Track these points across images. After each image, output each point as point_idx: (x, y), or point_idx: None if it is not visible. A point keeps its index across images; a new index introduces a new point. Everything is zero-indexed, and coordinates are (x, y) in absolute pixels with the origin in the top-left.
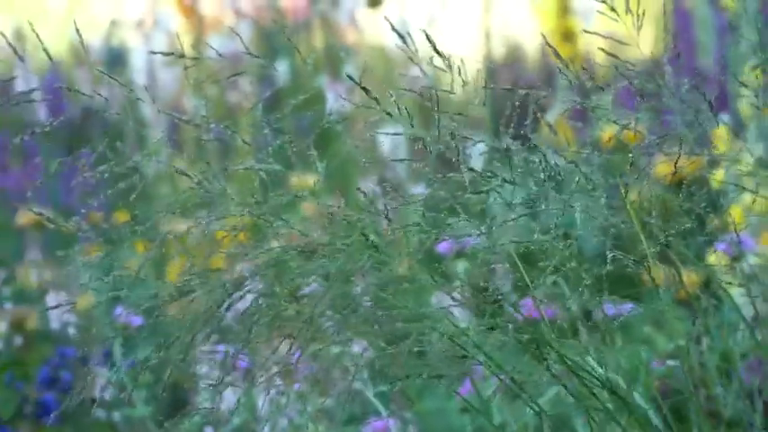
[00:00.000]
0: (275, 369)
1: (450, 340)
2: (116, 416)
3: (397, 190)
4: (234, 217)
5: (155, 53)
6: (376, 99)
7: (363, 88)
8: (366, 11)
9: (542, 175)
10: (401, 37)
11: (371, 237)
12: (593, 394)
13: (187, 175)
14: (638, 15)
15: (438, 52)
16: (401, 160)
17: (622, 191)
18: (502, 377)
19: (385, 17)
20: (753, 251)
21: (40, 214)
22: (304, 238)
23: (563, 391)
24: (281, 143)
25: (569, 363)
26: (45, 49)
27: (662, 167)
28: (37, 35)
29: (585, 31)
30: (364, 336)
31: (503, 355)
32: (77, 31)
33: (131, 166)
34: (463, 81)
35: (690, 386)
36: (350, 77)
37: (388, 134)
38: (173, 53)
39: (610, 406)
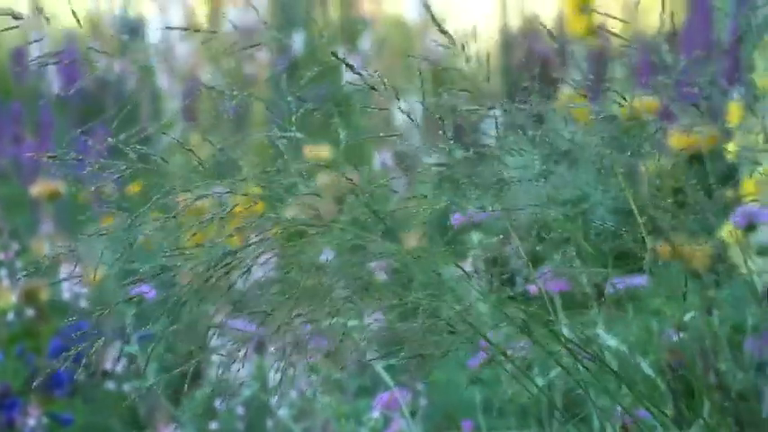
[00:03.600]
0: (287, 341)
1: (461, 316)
2: (126, 387)
3: (411, 161)
4: (248, 188)
5: (171, 28)
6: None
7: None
8: None
9: (556, 147)
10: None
11: (380, 209)
12: (607, 366)
13: (192, 151)
14: None
15: (441, 29)
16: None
17: (638, 164)
18: (508, 355)
19: None
20: (765, 223)
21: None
22: (317, 210)
23: (574, 364)
24: (301, 112)
25: (581, 336)
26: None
27: (676, 140)
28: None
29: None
30: (376, 307)
31: (513, 329)
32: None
33: (145, 137)
34: (468, 57)
35: (699, 358)
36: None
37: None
38: (187, 28)
39: (616, 378)
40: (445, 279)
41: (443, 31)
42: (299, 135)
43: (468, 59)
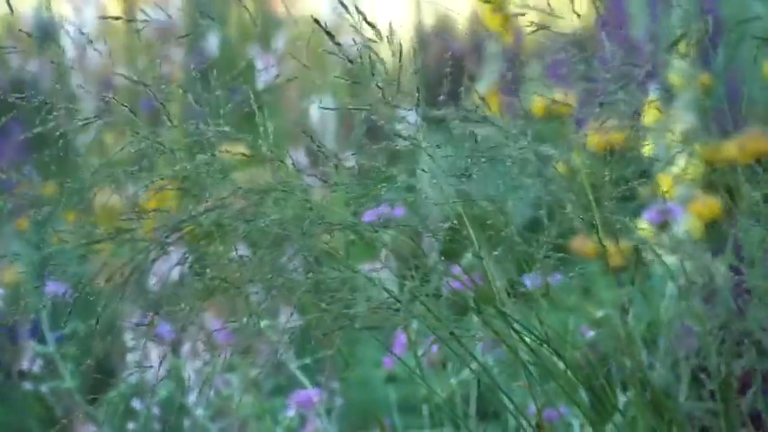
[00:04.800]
0: (201, 339)
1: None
2: (43, 388)
3: (327, 159)
4: (161, 182)
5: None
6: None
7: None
8: None
9: (472, 145)
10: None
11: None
12: (535, 355)
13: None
14: None
15: (368, 22)
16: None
17: (554, 161)
18: (439, 335)
19: None
20: (680, 219)
21: None
22: (231, 205)
23: (489, 361)
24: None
25: (514, 326)
26: None
27: (593, 137)
28: None
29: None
30: (292, 299)
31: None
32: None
33: (60, 136)
34: (392, 51)
35: (616, 355)
36: None
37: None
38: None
39: (534, 372)
40: (359, 276)
41: (371, 24)
42: (174, 147)
43: (393, 54)
